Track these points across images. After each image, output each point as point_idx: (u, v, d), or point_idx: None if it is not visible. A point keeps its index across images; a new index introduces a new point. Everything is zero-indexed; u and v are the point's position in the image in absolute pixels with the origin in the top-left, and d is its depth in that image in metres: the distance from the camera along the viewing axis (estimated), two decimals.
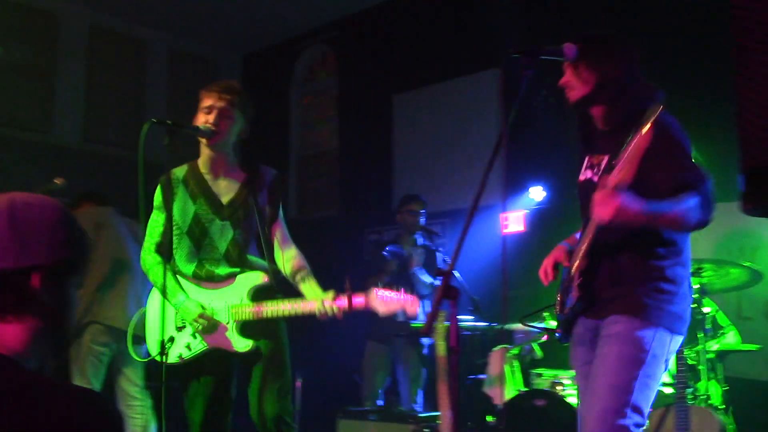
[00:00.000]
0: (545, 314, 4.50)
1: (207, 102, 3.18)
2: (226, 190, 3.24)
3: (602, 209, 2.24)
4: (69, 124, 7.64)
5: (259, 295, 3.15)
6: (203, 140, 3.17)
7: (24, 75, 7.36)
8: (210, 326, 3.11)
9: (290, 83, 8.60)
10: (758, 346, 4.39)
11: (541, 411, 4.12)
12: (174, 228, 3.19)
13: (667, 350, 2.44)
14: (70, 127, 7.64)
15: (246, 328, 3.14)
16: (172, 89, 8.39)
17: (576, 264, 2.54)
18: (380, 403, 5.19)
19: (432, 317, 2.16)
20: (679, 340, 2.50)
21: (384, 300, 3.00)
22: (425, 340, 5.38)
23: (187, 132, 3.14)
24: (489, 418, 4.36)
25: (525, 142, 6.19)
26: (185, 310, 3.12)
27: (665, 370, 2.49)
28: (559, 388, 4.26)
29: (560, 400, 4.12)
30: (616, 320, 2.45)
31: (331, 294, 3.05)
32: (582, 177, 2.69)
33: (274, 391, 3.13)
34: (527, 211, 6.20)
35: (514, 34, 6.00)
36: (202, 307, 3.12)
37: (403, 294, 3.01)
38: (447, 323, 3.28)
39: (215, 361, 3.19)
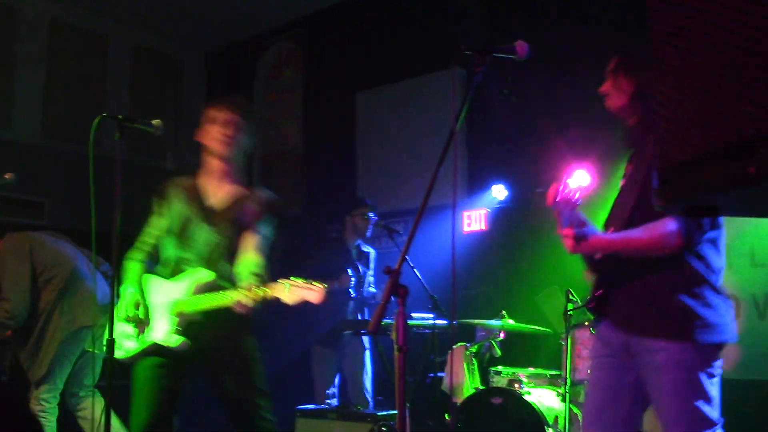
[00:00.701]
0: (504, 312, 4.54)
1: (220, 116, 3.28)
2: (222, 199, 3.33)
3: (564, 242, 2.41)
4: (28, 119, 7.51)
5: (200, 290, 3.16)
6: (214, 149, 3.29)
7: None
8: (139, 319, 3.17)
9: (254, 81, 8.54)
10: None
11: (498, 408, 4.14)
12: (166, 229, 3.32)
13: (714, 359, 2.43)
14: (28, 123, 7.50)
15: (185, 325, 3.16)
16: (134, 86, 8.28)
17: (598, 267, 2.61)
18: (334, 402, 5.18)
19: (379, 315, 2.13)
20: (722, 345, 2.46)
21: (290, 290, 3.02)
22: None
23: (139, 127, 3.11)
24: (447, 416, 4.36)
25: (487, 140, 6.22)
26: (121, 301, 3.20)
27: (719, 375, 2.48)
28: (516, 386, 4.28)
29: (518, 397, 4.14)
30: (653, 346, 2.43)
31: (245, 285, 3.10)
32: (620, 185, 2.73)
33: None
34: (489, 209, 6.22)
35: (476, 33, 6.03)
36: (138, 302, 3.18)
37: (311, 284, 3.01)
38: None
39: (162, 358, 3.19)
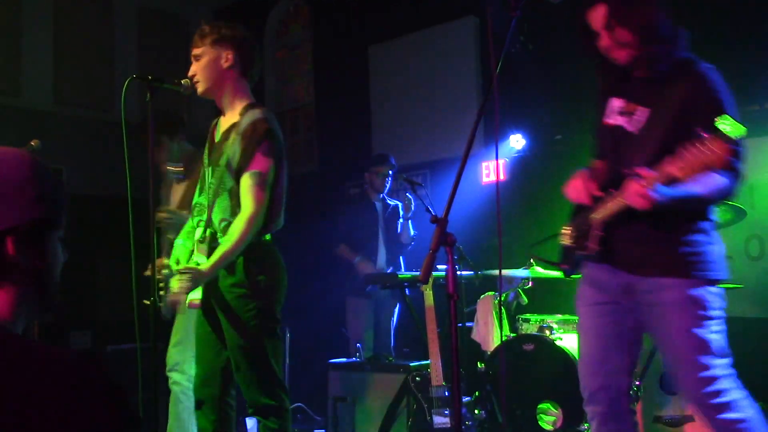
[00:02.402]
0: (532, 261, 4.54)
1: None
2: (219, 137, 3.14)
3: (636, 200, 2.29)
4: (38, 86, 7.47)
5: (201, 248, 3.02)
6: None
7: None
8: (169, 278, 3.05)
9: (263, 38, 8.46)
10: (740, 285, 4.46)
11: (530, 355, 4.18)
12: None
13: (720, 297, 2.47)
14: (39, 90, 7.47)
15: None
16: (142, 47, 8.21)
17: (600, 216, 2.51)
18: (363, 355, 5.25)
19: (429, 264, 2.14)
20: (724, 284, 2.51)
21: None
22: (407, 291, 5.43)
23: (168, 87, 3.07)
24: (480, 365, 4.41)
25: (504, 90, 6.15)
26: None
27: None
28: (547, 332, 4.31)
29: (549, 343, 4.18)
30: (662, 284, 2.45)
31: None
32: (611, 121, 2.61)
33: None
34: (507, 159, 6.20)
35: None
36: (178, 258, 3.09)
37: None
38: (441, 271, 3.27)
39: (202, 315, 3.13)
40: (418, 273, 4.44)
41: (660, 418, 3.66)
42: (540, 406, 4.09)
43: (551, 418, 4.05)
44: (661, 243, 2.47)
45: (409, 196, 5.62)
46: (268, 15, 8.42)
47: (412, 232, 5.69)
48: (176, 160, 3.85)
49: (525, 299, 4.81)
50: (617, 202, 2.43)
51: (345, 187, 7.13)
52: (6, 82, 7.30)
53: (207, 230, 3.00)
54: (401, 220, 5.73)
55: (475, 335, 4.76)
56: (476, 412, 4.31)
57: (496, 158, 2.72)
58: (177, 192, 4.04)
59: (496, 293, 4.76)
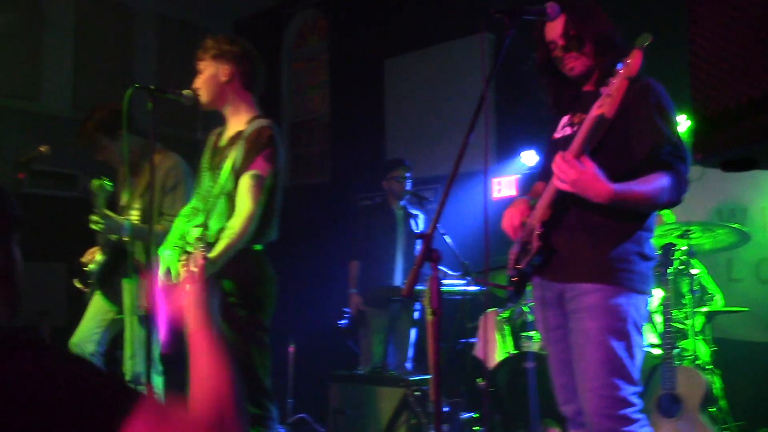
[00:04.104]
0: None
1: None
2: (223, 143, 3.19)
3: (564, 176, 2.27)
4: (58, 91, 7.59)
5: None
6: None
7: (10, 43, 7.29)
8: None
9: (281, 49, 8.53)
10: (747, 308, 4.42)
11: (530, 373, 4.15)
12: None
13: (642, 313, 2.42)
14: (58, 95, 7.58)
15: None
16: (161, 56, 8.31)
17: (538, 215, 2.49)
18: (372, 366, 5.24)
19: (412, 280, 2.15)
20: (649, 300, 2.49)
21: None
22: (418, 305, 5.43)
23: (170, 98, 3.13)
24: (480, 381, 4.39)
25: (517, 106, 6.16)
26: None
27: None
28: None
29: None
30: (586, 289, 2.40)
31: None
32: (559, 134, 2.62)
33: None
34: (519, 175, 6.19)
35: None
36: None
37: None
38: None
39: None
40: (422, 288, 4.44)
41: None
42: (541, 424, 4.06)
43: None
44: (590, 248, 2.42)
45: (421, 213, 5.63)
46: (286, 27, 8.49)
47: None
48: (126, 156, 3.74)
49: (530, 316, 4.78)
50: (547, 191, 2.43)
51: (357, 198, 7.15)
52: (26, 87, 7.42)
53: (204, 231, 3.00)
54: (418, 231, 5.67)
55: (478, 351, 4.75)
56: (476, 429, 4.29)
57: (484, 176, 2.69)
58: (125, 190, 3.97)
59: (500, 309, 4.74)
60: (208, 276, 2.89)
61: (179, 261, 3.02)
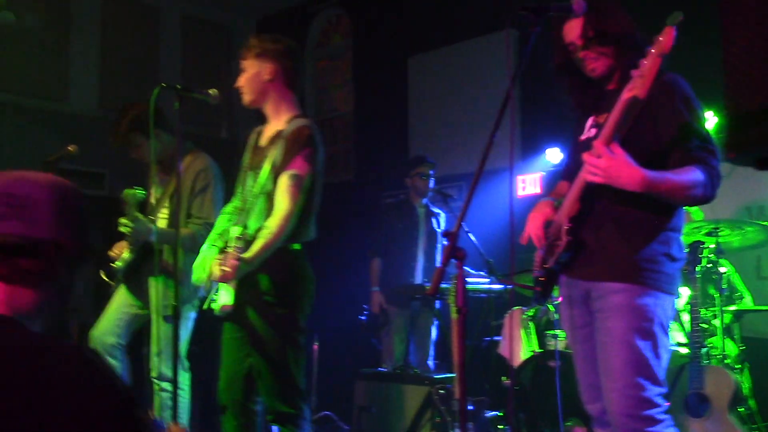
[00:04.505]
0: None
1: None
2: (263, 143, 3.20)
3: (594, 166, 2.23)
4: (84, 91, 7.68)
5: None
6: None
7: (38, 43, 7.38)
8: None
9: (305, 48, 8.55)
10: None
11: (555, 372, 4.13)
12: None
13: (669, 314, 2.39)
14: (85, 95, 7.68)
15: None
16: (186, 55, 8.38)
17: (566, 210, 2.45)
18: (393, 365, 5.24)
19: (438, 278, 2.14)
20: (675, 301, 2.46)
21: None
22: (439, 303, 5.42)
23: (196, 97, 3.15)
24: (504, 379, 4.38)
25: (541, 104, 6.13)
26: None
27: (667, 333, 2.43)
28: None
29: None
30: (613, 289, 2.37)
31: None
32: (585, 136, 2.58)
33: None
34: (544, 173, 6.16)
35: None
36: (206, 258, 3.10)
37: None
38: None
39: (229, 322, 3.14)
40: (446, 286, 4.44)
41: None
42: (566, 423, 4.04)
43: None
44: (618, 243, 2.38)
45: (442, 213, 5.62)
46: (310, 25, 8.51)
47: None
48: (160, 156, 3.75)
49: (555, 315, 4.76)
50: (575, 185, 2.40)
51: (381, 197, 7.15)
52: (54, 87, 7.52)
53: (244, 231, 3.00)
54: (439, 230, 5.66)
55: (502, 349, 4.73)
56: (501, 427, 4.27)
57: (510, 174, 2.66)
58: (157, 188, 3.98)
59: (525, 308, 4.72)
60: (241, 275, 2.92)
61: (215, 259, 3.01)
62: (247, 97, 3.16)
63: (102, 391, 1.24)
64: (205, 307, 3.11)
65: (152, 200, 3.93)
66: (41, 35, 7.41)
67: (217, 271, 2.89)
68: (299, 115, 3.17)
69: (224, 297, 2.95)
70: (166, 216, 3.85)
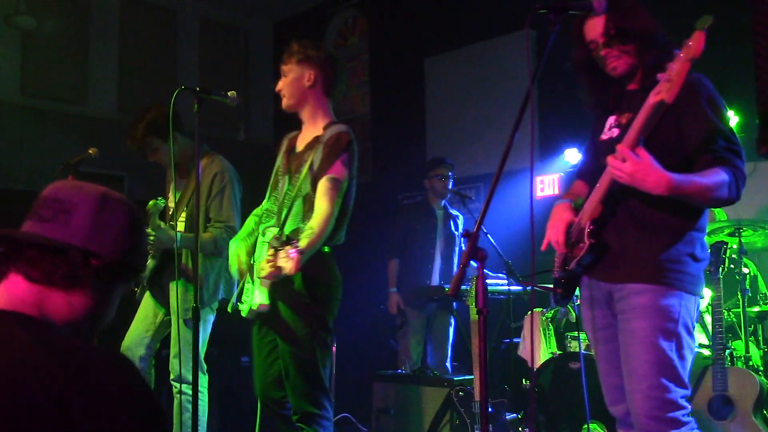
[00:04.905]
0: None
1: None
2: (300, 147, 3.23)
3: (619, 171, 2.20)
4: (103, 94, 7.72)
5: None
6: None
7: (58, 47, 7.44)
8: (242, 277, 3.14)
9: None
10: None
11: (576, 373, 4.10)
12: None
13: (693, 315, 2.37)
14: (104, 98, 7.72)
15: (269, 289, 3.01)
16: (203, 58, 8.41)
17: (588, 212, 2.43)
18: (415, 366, 5.22)
19: (458, 279, 2.12)
20: (699, 302, 2.43)
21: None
22: (455, 305, 5.40)
23: (216, 99, 3.15)
24: (525, 382, 4.35)
25: (560, 104, 6.09)
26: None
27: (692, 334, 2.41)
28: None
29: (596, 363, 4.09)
30: (637, 290, 2.35)
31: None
32: (606, 136, 2.56)
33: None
34: (562, 174, 6.12)
35: None
36: (238, 258, 3.13)
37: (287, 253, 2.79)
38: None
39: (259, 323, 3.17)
40: (465, 287, 4.41)
41: None
42: (586, 426, 4.01)
43: None
44: (642, 245, 2.36)
45: (460, 215, 5.59)
46: (326, 27, 8.52)
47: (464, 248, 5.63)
48: (177, 159, 3.72)
49: (574, 316, 4.72)
50: (599, 187, 2.37)
51: (399, 198, 7.13)
52: (73, 90, 7.57)
53: (281, 232, 3.02)
54: (457, 233, 5.63)
55: (522, 351, 4.70)
56: (520, 429, 4.25)
57: (531, 174, 2.64)
58: (174, 191, 3.97)
59: (545, 309, 4.69)
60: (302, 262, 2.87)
61: (264, 256, 2.94)
62: (286, 101, 3.22)
63: (134, 399, 1.25)
64: (229, 309, 3.15)
65: (171, 204, 3.94)
66: (61, 39, 7.46)
67: (268, 268, 2.83)
68: (336, 122, 3.23)
69: (259, 297, 2.98)
70: (184, 220, 3.86)
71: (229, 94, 3.16)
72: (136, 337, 3.92)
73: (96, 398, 1.20)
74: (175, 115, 3.40)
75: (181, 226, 3.84)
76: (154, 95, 7.93)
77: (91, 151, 4.11)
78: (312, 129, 3.22)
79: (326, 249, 3.11)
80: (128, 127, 3.93)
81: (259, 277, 2.96)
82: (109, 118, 7.62)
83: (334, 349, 5.42)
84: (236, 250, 3.15)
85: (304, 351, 3.01)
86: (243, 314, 3.07)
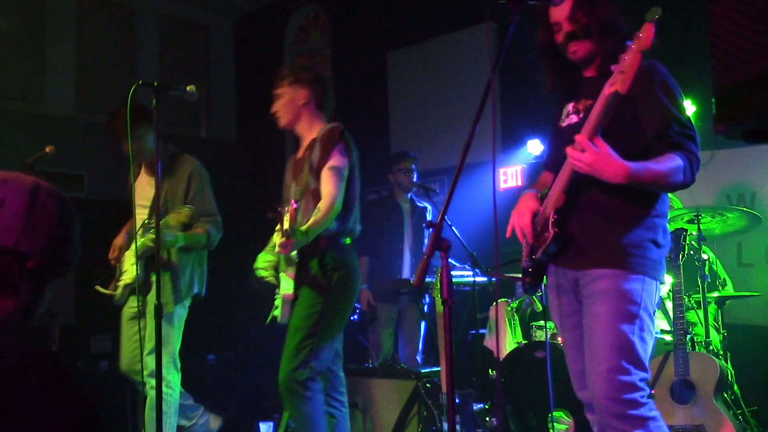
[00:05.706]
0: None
1: None
2: (301, 152, 3.58)
3: (579, 161, 2.24)
4: (61, 93, 7.58)
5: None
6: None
7: (13, 45, 7.28)
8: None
9: (283, 45, 8.50)
10: (758, 292, 4.38)
11: (542, 362, 4.13)
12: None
13: (654, 299, 2.41)
14: (62, 96, 7.58)
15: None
16: (163, 56, 8.30)
17: (552, 201, 2.47)
18: (383, 359, 5.23)
19: (423, 269, 2.13)
20: (661, 287, 2.47)
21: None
22: (427, 298, 5.41)
23: (174, 94, 3.13)
24: (491, 372, 4.38)
25: (521, 95, 6.13)
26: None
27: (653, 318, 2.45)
28: (560, 339, 4.26)
29: (561, 351, 4.12)
30: (600, 275, 2.39)
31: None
32: (565, 123, 2.60)
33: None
34: (525, 165, 6.16)
35: None
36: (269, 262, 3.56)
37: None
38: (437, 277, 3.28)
39: None
40: (431, 279, 4.43)
41: (671, 427, 3.60)
42: (552, 414, 4.05)
43: (564, 427, 4.00)
44: (604, 232, 2.41)
45: (429, 206, 5.60)
46: (287, 22, 8.47)
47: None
48: (151, 155, 3.77)
49: (539, 305, 4.77)
50: (560, 176, 2.41)
51: (363, 193, 7.12)
52: (30, 89, 7.42)
53: (293, 224, 3.17)
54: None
55: (488, 342, 4.73)
56: (488, 419, 4.27)
57: (494, 166, 2.66)
58: (146, 189, 3.97)
59: (510, 299, 4.73)
60: (298, 246, 3.18)
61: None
62: (283, 120, 3.56)
63: (68, 404, 1.16)
64: (267, 321, 3.45)
65: (140, 201, 3.91)
66: (16, 38, 7.31)
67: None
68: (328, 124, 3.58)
69: (285, 285, 3.34)
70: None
71: (188, 89, 3.14)
72: (130, 356, 3.98)
73: (16, 400, 1.11)
74: (147, 111, 3.43)
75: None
76: (112, 94, 7.84)
77: (47, 149, 4.03)
78: (310, 137, 3.54)
79: (347, 240, 3.47)
80: (113, 110, 3.88)
81: (276, 252, 3.24)
82: (68, 117, 7.49)
83: None
84: (266, 258, 3.53)
85: (307, 330, 3.32)
86: (278, 321, 3.41)
